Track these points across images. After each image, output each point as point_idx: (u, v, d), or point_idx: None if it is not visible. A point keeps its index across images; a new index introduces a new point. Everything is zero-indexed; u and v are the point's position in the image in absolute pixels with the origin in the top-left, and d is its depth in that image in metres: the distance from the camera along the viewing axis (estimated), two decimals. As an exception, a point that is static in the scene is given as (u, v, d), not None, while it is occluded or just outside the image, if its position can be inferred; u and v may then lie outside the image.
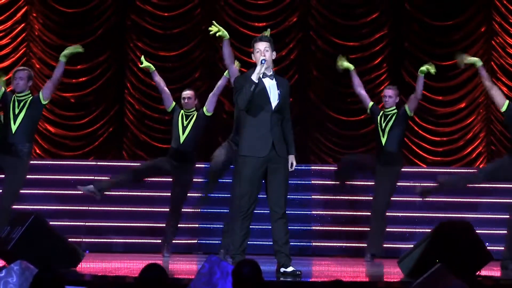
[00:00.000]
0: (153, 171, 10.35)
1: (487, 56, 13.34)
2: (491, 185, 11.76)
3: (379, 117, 10.12)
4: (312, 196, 11.86)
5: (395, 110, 10.15)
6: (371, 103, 10.24)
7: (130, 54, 13.41)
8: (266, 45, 7.29)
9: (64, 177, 11.75)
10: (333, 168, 11.77)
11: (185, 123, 10.23)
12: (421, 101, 13.26)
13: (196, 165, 10.45)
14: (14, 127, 8.92)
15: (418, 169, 12.55)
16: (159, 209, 11.56)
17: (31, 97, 9.07)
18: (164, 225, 10.42)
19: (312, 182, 12.11)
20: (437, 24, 13.37)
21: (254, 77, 7.17)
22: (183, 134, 10.15)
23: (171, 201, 10.27)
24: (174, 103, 10.24)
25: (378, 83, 13.39)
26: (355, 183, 11.83)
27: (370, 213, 10.39)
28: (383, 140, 10.03)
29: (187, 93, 10.43)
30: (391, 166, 10.04)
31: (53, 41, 13.31)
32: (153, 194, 11.66)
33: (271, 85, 7.28)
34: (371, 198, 11.34)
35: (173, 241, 11.19)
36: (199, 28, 13.45)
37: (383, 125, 10.07)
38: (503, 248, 10.51)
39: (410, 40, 13.42)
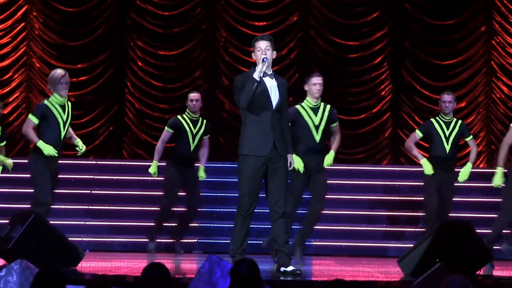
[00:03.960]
0: (175, 196, 10.38)
1: (487, 56, 13.34)
2: (491, 185, 11.75)
3: (436, 124, 9.88)
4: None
5: (455, 118, 9.95)
6: (417, 131, 10.03)
7: (130, 53, 13.40)
8: (267, 44, 7.30)
9: (64, 176, 11.73)
10: (333, 168, 11.75)
11: (194, 130, 10.22)
12: (422, 100, 13.33)
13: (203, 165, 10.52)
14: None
15: (418, 169, 12.52)
16: (158, 209, 11.55)
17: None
18: (175, 224, 10.50)
19: (312, 182, 12.08)
20: (437, 24, 13.37)
21: (256, 75, 7.18)
22: (193, 142, 10.16)
23: (189, 201, 10.33)
24: (167, 129, 10.29)
25: (378, 83, 13.39)
26: (355, 182, 11.84)
27: (372, 213, 10.38)
28: (447, 148, 9.90)
29: (195, 95, 10.36)
30: (453, 174, 9.92)
31: (53, 40, 13.31)
32: (153, 193, 11.65)
33: (271, 84, 7.30)
34: (371, 198, 11.38)
35: (173, 241, 11.22)
36: (199, 27, 13.45)
37: (447, 132, 9.87)
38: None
39: (410, 40, 13.42)
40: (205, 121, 10.41)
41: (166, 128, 10.36)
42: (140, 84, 13.38)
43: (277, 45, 7.66)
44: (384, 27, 13.46)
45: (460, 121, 9.96)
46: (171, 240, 10.89)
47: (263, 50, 7.29)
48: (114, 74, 13.38)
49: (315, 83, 9.18)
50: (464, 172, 9.87)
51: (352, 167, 12.29)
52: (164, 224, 10.62)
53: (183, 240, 10.86)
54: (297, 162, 8.87)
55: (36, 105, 9.14)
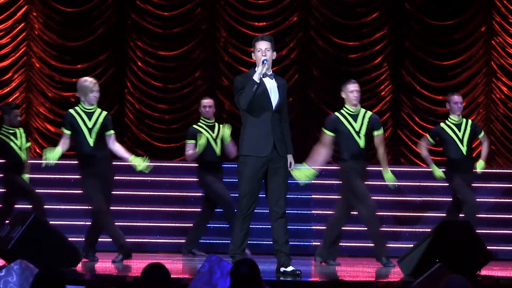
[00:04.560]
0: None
1: (487, 56, 13.34)
2: (491, 185, 11.77)
3: (447, 128, 9.88)
4: (312, 196, 11.85)
5: (464, 119, 9.94)
6: (428, 137, 10.05)
7: (130, 54, 13.40)
8: (267, 45, 7.29)
9: (64, 176, 11.74)
10: (333, 168, 11.71)
11: (213, 135, 10.16)
12: (422, 101, 13.33)
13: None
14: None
15: (418, 169, 12.53)
16: (158, 209, 11.56)
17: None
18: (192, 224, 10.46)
19: (312, 181, 12.08)
20: (437, 24, 13.37)
21: (256, 77, 7.17)
22: (216, 146, 10.11)
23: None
24: (189, 142, 10.16)
25: (378, 83, 13.39)
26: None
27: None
28: (464, 149, 9.83)
29: (208, 101, 10.29)
30: (472, 174, 9.92)
31: (53, 40, 13.31)
32: (153, 193, 11.66)
33: (271, 85, 7.29)
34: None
35: (172, 241, 11.24)
36: (199, 28, 13.46)
37: (459, 134, 9.85)
38: (503, 248, 10.55)
39: (410, 40, 13.42)
40: (221, 125, 10.33)
41: (186, 141, 10.27)
42: (140, 84, 13.37)
43: (277, 46, 7.66)
44: (384, 27, 13.46)
45: (470, 120, 9.95)
46: (171, 240, 10.89)
47: (263, 51, 7.28)
48: (114, 75, 13.38)
49: (352, 91, 9.10)
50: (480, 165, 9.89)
51: (352, 167, 12.27)
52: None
53: (183, 241, 10.85)
54: (303, 173, 8.70)
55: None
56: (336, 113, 9.16)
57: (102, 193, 8.81)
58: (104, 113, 8.95)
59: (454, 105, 9.76)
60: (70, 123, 8.78)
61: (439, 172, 9.79)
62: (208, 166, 10.16)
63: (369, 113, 9.18)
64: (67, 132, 8.79)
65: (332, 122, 9.01)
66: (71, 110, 8.88)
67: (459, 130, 9.76)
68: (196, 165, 10.45)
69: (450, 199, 11.76)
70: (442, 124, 9.90)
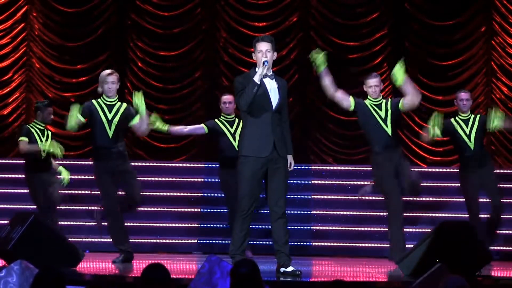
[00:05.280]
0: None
1: (487, 56, 13.35)
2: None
3: (456, 125, 9.70)
4: (312, 196, 11.86)
5: (472, 115, 9.86)
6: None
7: (130, 54, 13.41)
8: (267, 46, 7.29)
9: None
10: (333, 168, 11.79)
11: (232, 130, 10.05)
12: (422, 101, 13.32)
13: (201, 165, 10.47)
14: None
15: (418, 169, 12.54)
16: (158, 209, 11.56)
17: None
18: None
19: (312, 182, 12.11)
20: (437, 24, 13.38)
21: (257, 79, 7.16)
22: (235, 141, 10.00)
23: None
24: (204, 125, 9.99)
25: (378, 83, 13.38)
26: (355, 182, 11.84)
27: (372, 213, 10.38)
28: (471, 145, 9.66)
29: (227, 97, 10.18)
30: (488, 167, 9.73)
31: (53, 41, 13.32)
32: (153, 194, 11.66)
33: (271, 85, 7.29)
34: (371, 198, 11.35)
35: (173, 241, 11.23)
36: (199, 28, 13.47)
37: (467, 130, 9.76)
38: (503, 248, 10.54)
39: (410, 40, 13.43)
40: (238, 119, 10.23)
41: (203, 125, 10.18)
42: (140, 84, 13.38)
43: (277, 46, 7.65)
44: (384, 27, 13.47)
45: (478, 115, 9.78)
46: (170, 241, 10.89)
47: (264, 52, 7.27)
48: (114, 75, 13.38)
49: (370, 86, 9.10)
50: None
51: (352, 168, 12.30)
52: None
53: (184, 241, 10.86)
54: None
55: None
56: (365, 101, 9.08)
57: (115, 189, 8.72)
58: (124, 105, 8.83)
59: (460, 102, 9.65)
60: (89, 111, 8.68)
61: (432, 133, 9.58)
62: (228, 162, 10.01)
63: (389, 100, 9.11)
64: (82, 119, 8.68)
65: (359, 102, 8.96)
66: (93, 100, 8.82)
67: (467, 126, 9.64)
68: (198, 165, 10.46)
69: (450, 199, 11.79)
70: (452, 120, 9.74)
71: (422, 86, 13.37)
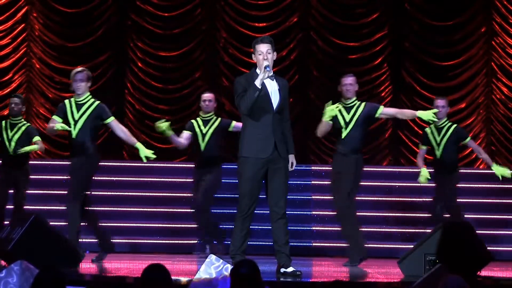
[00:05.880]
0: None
1: (487, 56, 13.35)
2: (491, 185, 11.77)
3: (429, 132, 10.00)
4: (312, 196, 11.86)
5: (449, 123, 10.02)
6: (421, 147, 10.17)
7: (130, 54, 13.41)
8: (268, 47, 7.26)
9: (64, 177, 11.73)
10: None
11: (204, 130, 10.08)
12: (422, 101, 13.33)
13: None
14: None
15: (418, 170, 12.54)
16: (158, 209, 11.56)
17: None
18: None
19: (312, 182, 12.11)
20: (437, 24, 13.37)
21: (258, 83, 7.13)
22: (203, 141, 10.04)
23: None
24: (186, 131, 10.09)
25: (378, 84, 13.39)
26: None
27: (372, 214, 10.39)
28: (438, 153, 9.92)
29: (207, 95, 10.22)
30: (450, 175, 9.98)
31: (53, 41, 13.32)
32: (153, 194, 11.66)
33: (272, 86, 7.27)
34: (371, 199, 11.36)
35: (173, 241, 11.23)
36: (199, 28, 13.46)
37: (438, 138, 9.95)
38: (503, 248, 10.55)
39: (410, 40, 13.43)
40: (216, 117, 10.27)
41: (184, 131, 10.22)
42: (140, 85, 13.38)
43: (277, 46, 7.65)
44: (384, 27, 13.47)
45: (454, 125, 9.97)
46: (171, 241, 10.89)
47: (264, 54, 7.24)
48: (114, 75, 13.39)
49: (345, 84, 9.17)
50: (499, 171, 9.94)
51: (352, 168, 12.28)
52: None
53: (183, 241, 10.86)
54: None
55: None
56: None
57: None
58: (96, 103, 8.77)
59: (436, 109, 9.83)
60: (62, 111, 8.71)
61: (423, 178, 9.78)
62: (197, 162, 10.16)
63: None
64: (58, 119, 8.68)
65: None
66: (66, 100, 8.83)
67: (439, 134, 9.88)
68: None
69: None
70: (426, 129, 10.04)
71: (422, 86, 13.38)
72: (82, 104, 8.70)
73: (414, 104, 13.35)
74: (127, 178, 11.79)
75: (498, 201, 11.71)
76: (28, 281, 5.57)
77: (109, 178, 11.84)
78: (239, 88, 7.22)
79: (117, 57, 13.43)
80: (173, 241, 11.22)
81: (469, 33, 13.39)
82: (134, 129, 13.32)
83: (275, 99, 7.24)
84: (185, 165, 12.45)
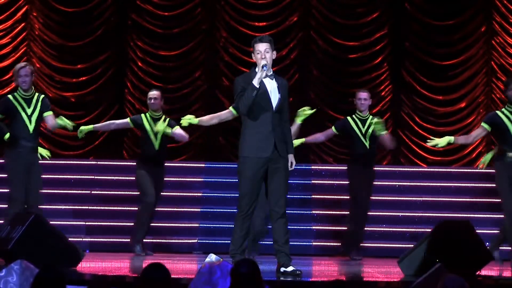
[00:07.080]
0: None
1: (487, 55, 13.35)
2: (491, 185, 11.76)
3: (352, 123, 10.16)
4: (312, 196, 11.86)
5: (370, 116, 10.24)
6: (333, 128, 10.35)
7: (130, 54, 13.41)
8: (266, 47, 7.27)
9: (64, 176, 11.76)
10: (333, 168, 11.78)
11: (155, 129, 10.10)
12: (422, 101, 13.33)
13: (201, 165, 10.46)
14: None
15: (418, 169, 12.56)
16: (158, 209, 11.56)
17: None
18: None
19: (312, 182, 12.11)
20: (437, 24, 13.37)
21: (256, 82, 7.14)
22: (156, 139, 10.10)
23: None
24: (129, 119, 10.31)
25: (378, 83, 13.39)
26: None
27: (372, 213, 10.39)
28: (366, 144, 10.12)
29: (153, 93, 10.32)
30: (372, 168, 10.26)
31: (53, 41, 13.32)
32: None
33: (271, 85, 7.28)
34: (371, 198, 11.34)
35: (172, 241, 11.23)
36: (199, 28, 13.46)
37: (363, 130, 10.12)
38: (503, 248, 10.53)
39: (410, 40, 13.43)
40: (163, 115, 10.36)
41: (128, 119, 10.41)
42: (140, 84, 13.38)
43: (277, 46, 7.65)
44: (384, 27, 13.46)
45: (374, 118, 10.13)
46: (170, 241, 10.89)
47: (263, 53, 7.26)
48: (114, 75, 13.39)
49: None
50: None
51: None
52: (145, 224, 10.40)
53: (183, 241, 10.86)
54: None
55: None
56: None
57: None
58: (42, 96, 8.93)
59: (358, 101, 10.14)
60: (5, 107, 8.75)
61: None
62: (145, 158, 10.18)
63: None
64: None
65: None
66: (9, 95, 8.89)
67: (363, 126, 10.01)
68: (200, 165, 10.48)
69: (450, 199, 11.80)
70: (348, 118, 10.28)
71: (422, 86, 13.38)
72: (30, 99, 8.81)
73: (414, 103, 13.36)
74: (126, 178, 11.78)
75: (498, 201, 11.69)
76: (28, 280, 5.57)
77: (109, 178, 11.85)
78: (238, 88, 7.23)
79: (117, 57, 13.43)
80: (173, 241, 11.22)
81: (469, 33, 13.39)
82: (134, 128, 13.30)
83: (274, 98, 7.25)
84: (185, 165, 12.48)
